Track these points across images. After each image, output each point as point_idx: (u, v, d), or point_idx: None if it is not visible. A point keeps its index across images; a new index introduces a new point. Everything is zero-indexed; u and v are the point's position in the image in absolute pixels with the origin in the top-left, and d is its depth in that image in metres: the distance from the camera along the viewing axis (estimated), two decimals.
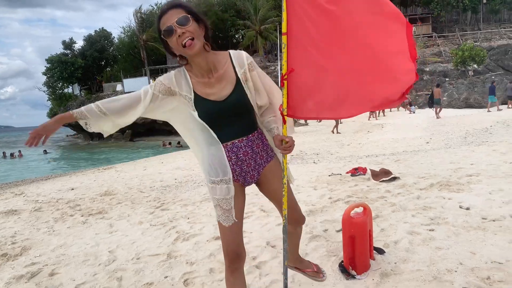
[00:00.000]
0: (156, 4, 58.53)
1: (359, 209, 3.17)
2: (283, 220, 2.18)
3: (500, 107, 22.25)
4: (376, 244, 3.44)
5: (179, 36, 1.86)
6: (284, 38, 1.97)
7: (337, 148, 13.28)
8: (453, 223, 3.83)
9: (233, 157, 2.07)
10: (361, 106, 2.07)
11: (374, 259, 3.16)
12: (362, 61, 2.01)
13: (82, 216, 5.75)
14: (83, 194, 7.76)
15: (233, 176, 2.09)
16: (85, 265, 3.75)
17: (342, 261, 3.11)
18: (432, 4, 44.03)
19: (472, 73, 33.01)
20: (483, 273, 2.84)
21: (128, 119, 2.10)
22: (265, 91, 2.12)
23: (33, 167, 23.34)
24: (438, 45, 40.49)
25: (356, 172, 6.97)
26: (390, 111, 30.74)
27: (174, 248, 3.94)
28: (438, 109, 21.13)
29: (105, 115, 2.04)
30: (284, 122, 2.02)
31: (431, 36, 42.72)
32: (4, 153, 30.66)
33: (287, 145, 2.03)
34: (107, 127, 2.13)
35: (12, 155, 30.26)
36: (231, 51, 2.06)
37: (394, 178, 6.13)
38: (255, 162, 2.13)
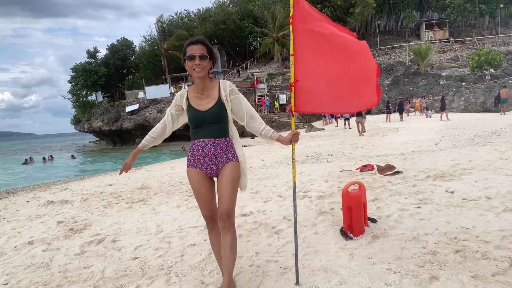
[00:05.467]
0: (176, 14, 60.34)
1: (356, 186, 4.03)
2: (293, 185, 3.07)
3: None
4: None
5: (195, 64, 2.77)
6: (291, 58, 2.89)
7: (351, 150, 14.05)
8: (437, 202, 4.67)
9: (200, 150, 2.89)
10: (345, 107, 2.99)
11: (368, 226, 4.02)
12: (347, 75, 2.92)
13: (126, 203, 6.77)
14: (121, 188, 8.80)
15: (197, 165, 2.92)
16: (139, 235, 4.71)
17: (342, 227, 3.97)
18: (449, 9, 44.34)
19: (489, 78, 33.21)
20: (452, 235, 3.66)
21: (168, 135, 3.18)
22: (244, 109, 2.98)
23: (64, 170, 24.81)
24: (455, 50, 40.76)
25: (364, 168, 7.77)
26: (407, 115, 31.18)
27: None
28: (504, 107, 24.64)
29: (155, 138, 3.13)
30: (292, 115, 2.94)
31: (448, 41, 43.01)
32: (44, 158, 33.56)
33: (296, 136, 2.93)
34: (159, 141, 3.21)
35: (44, 159, 32.40)
36: (220, 81, 2.96)
37: (398, 172, 6.92)
38: (216, 159, 2.91)
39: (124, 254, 4.10)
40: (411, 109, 32.62)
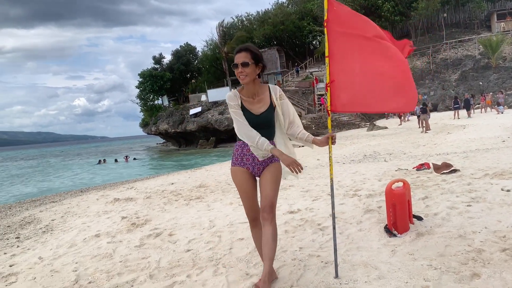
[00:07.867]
0: (236, 17, 61.44)
1: (400, 184, 4.05)
2: (330, 182, 3.19)
3: None
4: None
5: (239, 72, 2.93)
6: (327, 60, 3.01)
7: (412, 148, 13.62)
8: (490, 201, 4.53)
9: (250, 149, 3.05)
10: (383, 106, 3.06)
11: (413, 223, 4.02)
12: (383, 73, 2.99)
13: (184, 200, 7.19)
14: (181, 187, 9.30)
15: (245, 164, 3.10)
16: (193, 229, 5.04)
17: (386, 225, 4.00)
18: None
19: None
20: (501, 234, 3.58)
21: None
22: (287, 114, 3.10)
23: (133, 170, 26.37)
24: None
25: (421, 167, 7.60)
26: (481, 112, 29.33)
27: None
28: None
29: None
30: (329, 115, 3.06)
31: None
32: (116, 159, 37.26)
33: (332, 138, 3.05)
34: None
35: (116, 160, 35.91)
36: (270, 85, 3.10)
37: (454, 171, 6.71)
38: (263, 160, 3.08)
39: (179, 246, 4.42)
40: (482, 104, 30.59)
